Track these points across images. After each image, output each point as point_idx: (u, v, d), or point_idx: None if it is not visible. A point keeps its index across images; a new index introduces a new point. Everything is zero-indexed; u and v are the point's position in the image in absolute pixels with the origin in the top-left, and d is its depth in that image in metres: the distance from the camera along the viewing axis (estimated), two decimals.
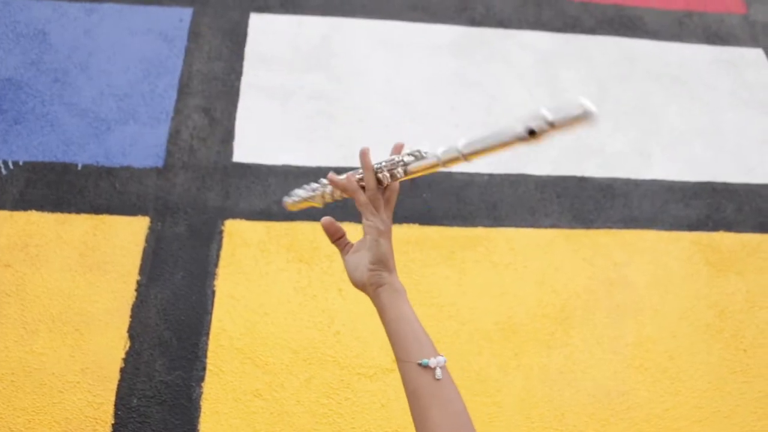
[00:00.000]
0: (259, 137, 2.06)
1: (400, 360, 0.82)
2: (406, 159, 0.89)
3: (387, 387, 1.68)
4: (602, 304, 1.86)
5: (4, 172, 1.91)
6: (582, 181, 2.10)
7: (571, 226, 2.00)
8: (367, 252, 0.89)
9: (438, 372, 0.80)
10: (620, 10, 2.59)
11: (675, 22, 2.59)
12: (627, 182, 2.12)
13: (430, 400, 0.79)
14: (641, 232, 2.02)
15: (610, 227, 2.02)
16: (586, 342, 1.80)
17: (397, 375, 1.69)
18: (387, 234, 0.90)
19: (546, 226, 1.99)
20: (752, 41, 2.57)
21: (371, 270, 0.88)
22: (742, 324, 1.88)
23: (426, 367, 0.80)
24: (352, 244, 0.96)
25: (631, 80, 2.39)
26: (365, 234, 0.90)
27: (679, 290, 1.92)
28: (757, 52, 2.54)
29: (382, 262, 0.88)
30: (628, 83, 2.38)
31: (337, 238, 0.96)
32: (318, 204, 1.00)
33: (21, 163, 1.93)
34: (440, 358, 0.81)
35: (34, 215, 1.85)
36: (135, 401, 1.60)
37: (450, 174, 2.06)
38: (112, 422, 1.57)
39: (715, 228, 2.07)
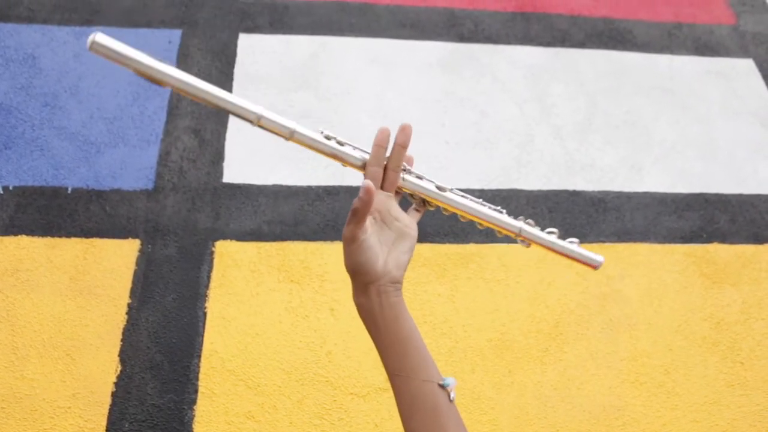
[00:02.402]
0: (248, 157, 2.06)
1: (419, 378, 0.76)
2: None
3: (380, 406, 1.66)
4: (596, 319, 1.85)
5: None
6: (574, 195, 2.09)
7: None
8: (403, 243, 0.79)
9: (453, 394, 0.76)
10: (609, 23, 2.60)
11: (664, 33, 2.60)
12: (619, 195, 2.12)
13: (447, 419, 0.75)
14: (634, 245, 2.01)
15: (602, 241, 2.01)
16: (581, 357, 1.79)
17: (390, 394, 1.68)
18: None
19: None
20: (742, 52, 2.58)
21: (404, 266, 0.79)
22: (739, 336, 1.87)
23: (444, 387, 0.76)
24: (366, 225, 0.80)
25: (622, 93, 2.40)
26: (400, 226, 0.80)
27: (674, 303, 1.91)
28: (748, 63, 2.55)
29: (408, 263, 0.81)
30: (618, 96, 2.39)
31: (368, 210, 0.78)
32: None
33: (11, 188, 1.93)
34: (452, 380, 0.77)
35: (24, 240, 1.85)
36: (127, 425, 1.59)
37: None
38: None
39: (708, 240, 2.06)
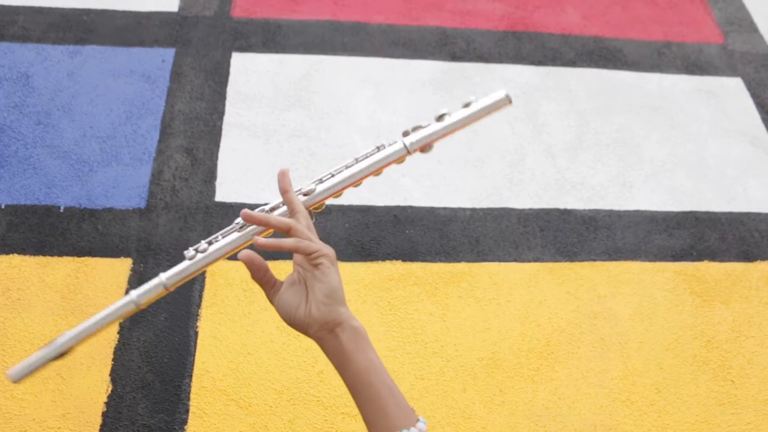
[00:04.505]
0: (241, 176, 2.07)
1: (377, 428, 0.71)
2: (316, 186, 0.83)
3: None
4: (587, 338, 1.86)
5: None
6: (564, 214, 2.11)
7: (554, 260, 2.00)
8: (315, 285, 0.76)
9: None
10: (600, 42, 2.62)
11: (654, 52, 2.63)
12: (610, 214, 2.13)
13: None
14: (625, 263, 2.02)
15: (593, 260, 2.02)
16: (572, 376, 1.79)
17: None
18: (335, 259, 0.78)
19: (529, 260, 1.99)
20: (731, 70, 2.60)
21: (326, 305, 0.74)
22: (729, 354, 1.88)
23: None
24: (280, 282, 0.81)
25: (612, 111, 2.42)
26: (307, 265, 0.77)
27: (665, 321, 1.92)
28: (736, 81, 2.57)
29: (337, 295, 0.75)
30: (608, 114, 2.40)
31: (262, 275, 0.80)
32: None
33: (3, 207, 1.93)
34: (421, 425, 0.72)
35: (16, 259, 1.85)
36: None
37: (432, 210, 2.06)
38: None
39: (699, 258, 2.07)
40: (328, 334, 0.75)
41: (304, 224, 0.78)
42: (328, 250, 0.77)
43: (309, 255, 0.76)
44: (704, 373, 1.84)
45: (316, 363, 1.73)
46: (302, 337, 1.76)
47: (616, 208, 2.15)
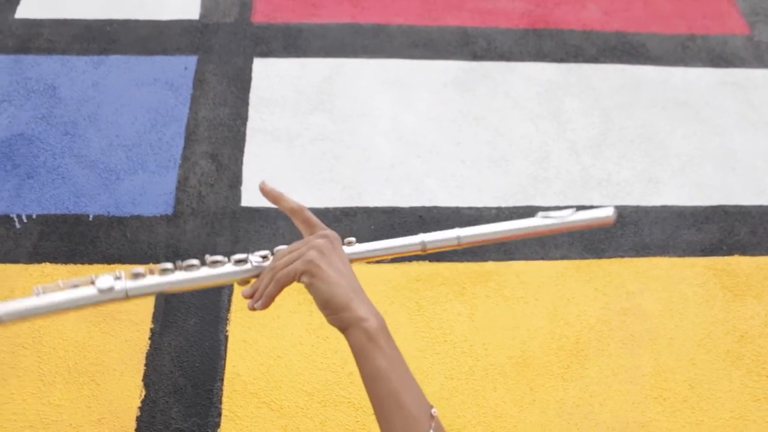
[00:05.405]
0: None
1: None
2: None
3: None
4: (617, 335, 1.84)
5: (18, 226, 1.94)
6: None
7: (581, 257, 1.99)
8: (312, 296, 0.77)
9: (434, 411, 0.70)
10: (622, 38, 2.60)
11: (678, 46, 2.60)
12: (637, 210, 2.11)
13: None
14: (653, 259, 2.00)
15: (621, 256, 2.00)
16: (602, 374, 1.78)
17: None
18: (324, 250, 0.77)
19: (556, 258, 1.98)
20: (758, 62, 2.57)
21: (326, 315, 0.75)
22: (764, 349, 1.85)
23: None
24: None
25: (636, 107, 2.40)
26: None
27: (695, 317, 1.90)
28: (763, 73, 2.54)
29: (331, 305, 0.74)
30: (632, 110, 2.39)
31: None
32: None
33: (34, 217, 1.96)
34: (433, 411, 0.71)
35: (48, 267, 1.88)
36: None
37: (458, 210, 2.06)
38: None
39: (729, 252, 2.05)
40: (343, 334, 0.75)
41: (285, 250, 0.78)
42: (311, 254, 0.76)
43: (292, 281, 0.76)
44: (738, 369, 1.81)
45: (345, 365, 1.74)
46: (332, 339, 1.77)
47: (643, 203, 2.13)
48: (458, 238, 0.84)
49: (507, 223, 0.87)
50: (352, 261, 0.81)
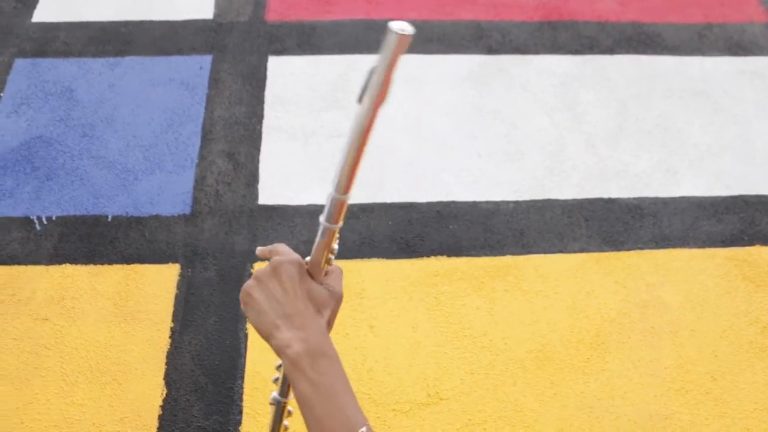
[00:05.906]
0: (283, 179, 2.09)
1: None
2: None
3: (423, 422, 1.66)
4: (637, 327, 1.83)
5: (38, 227, 1.96)
6: (609, 203, 2.08)
7: (600, 249, 1.98)
8: None
9: None
10: (638, 28, 2.58)
11: (695, 35, 2.57)
12: (655, 201, 2.09)
13: None
14: (673, 251, 1.99)
15: (640, 248, 1.99)
16: (623, 366, 1.77)
17: (433, 409, 1.68)
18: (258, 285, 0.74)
19: (575, 251, 1.97)
20: None
21: (262, 338, 0.75)
22: None
23: None
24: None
25: (653, 97, 2.38)
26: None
27: (717, 308, 1.88)
28: None
29: (260, 329, 0.73)
30: (649, 100, 2.37)
31: None
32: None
33: (54, 218, 1.98)
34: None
35: (68, 268, 1.89)
36: None
37: (475, 204, 2.05)
38: None
39: (750, 242, 2.03)
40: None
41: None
42: (247, 283, 0.74)
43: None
44: (761, 360, 1.79)
45: (365, 361, 1.74)
46: (350, 336, 1.78)
47: (662, 195, 2.11)
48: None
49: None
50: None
